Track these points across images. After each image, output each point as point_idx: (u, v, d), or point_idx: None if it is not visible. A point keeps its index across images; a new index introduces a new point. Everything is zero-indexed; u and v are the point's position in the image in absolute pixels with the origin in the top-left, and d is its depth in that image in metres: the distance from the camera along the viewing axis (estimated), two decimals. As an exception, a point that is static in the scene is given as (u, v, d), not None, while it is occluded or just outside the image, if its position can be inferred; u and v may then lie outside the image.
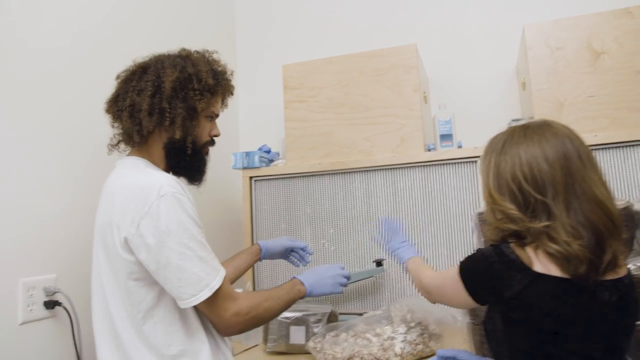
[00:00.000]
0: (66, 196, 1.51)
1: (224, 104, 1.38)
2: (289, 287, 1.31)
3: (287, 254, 1.70)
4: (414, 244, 1.78)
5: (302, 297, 1.33)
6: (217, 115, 1.34)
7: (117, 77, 1.30)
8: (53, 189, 1.48)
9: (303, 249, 1.71)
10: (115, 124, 1.27)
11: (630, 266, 1.15)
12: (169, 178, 1.14)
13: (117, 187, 1.16)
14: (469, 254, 1.07)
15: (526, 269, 0.94)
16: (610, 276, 0.96)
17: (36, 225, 1.42)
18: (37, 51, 1.46)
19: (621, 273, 0.98)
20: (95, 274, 1.20)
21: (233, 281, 1.57)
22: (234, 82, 1.38)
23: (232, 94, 1.38)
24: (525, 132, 1.02)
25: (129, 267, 1.11)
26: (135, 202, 1.08)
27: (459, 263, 1.07)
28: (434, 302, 1.29)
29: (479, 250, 1.05)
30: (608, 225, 0.94)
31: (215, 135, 1.34)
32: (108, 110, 1.28)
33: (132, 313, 1.12)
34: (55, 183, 1.49)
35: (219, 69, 1.32)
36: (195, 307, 1.12)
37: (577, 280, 0.92)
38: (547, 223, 0.94)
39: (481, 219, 1.38)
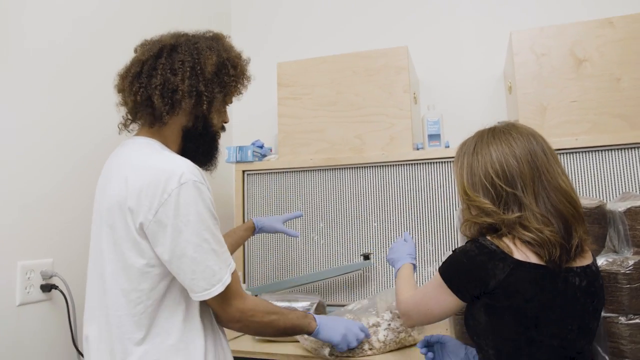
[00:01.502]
0: (64, 182, 1.55)
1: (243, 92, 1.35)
2: (302, 316, 1.31)
3: (289, 230, 1.77)
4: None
5: (309, 332, 1.33)
6: (232, 103, 1.33)
7: (135, 51, 1.23)
8: (52, 174, 1.51)
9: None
10: (133, 101, 1.17)
11: (602, 261, 1.22)
12: (190, 164, 1.09)
13: (131, 168, 1.09)
14: (449, 254, 1.12)
15: (507, 257, 1.00)
16: (579, 263, 1.05)
17: (35, 210, 1.45)
18: (33, 39, 1.50)
19: (588, 259, 1.07)
20: (95, 257, 1.15)
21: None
22: None
23: (250, 83, 1.35)
24: (494, 134, 1.12)
25: (146, 253, 1.06)
26: (154, 188, 1.03)
27: (437, 270, 1.12)
28: (412, 326, 1.34)
29: (455, 250, 1.10)
30: (572, 212, 1.03)
31: (226, 122, 1.33)
32: (125, 87, 1.18)
33: (141, 300, 1.06)
34: (54, 168, 1.52)
35: (245, 58, 1.31)
36: None
37: (552, 267, 1.00)
38: (519, 214, 1.03)
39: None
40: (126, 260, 1.07)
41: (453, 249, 1.12)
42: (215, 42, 1.22)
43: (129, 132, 1.26)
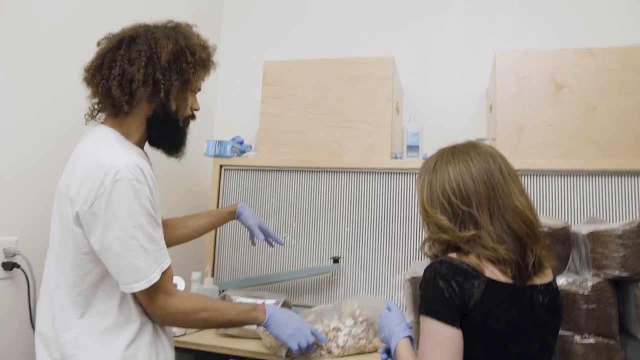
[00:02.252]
0: (32, 162, 1.53)
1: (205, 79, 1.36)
2: (245, 310, 1.32)
3: (256, 230, 1.70)
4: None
5: (257, 324, 1.35)
6: (199, 90, 1.34)
7: (98, 44, 1.25)
8: (20, 154, 1.49)
9: (272, 238, 1.75)
10: (97, 93, 1.22)
11: (563, 281, 1.25)
12: (130, 161, 1.11)
13: (80, 159, 1.14)
14: (420, 284, 1.07)
15: (479, 275, 1.01)
16: (541, 280, 1.07)
17: (1, 188, 1.43)
18: (12, 19, 1.48)
19: (548, 276, 1.09)
20: (51, 237, 1.20)
21: (204, 233, 1.67)
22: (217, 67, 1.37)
23: (215, 70, 1.36)
24: (453, 153, 1.14)
25: (79, 240, 1.11)
26: (92, 181, 1.08)
27: (421, 316, 1.04)
28: None
29: (426, 275, 1.05)
30: (527, 232, 1.05)
31: (196, 110, 1.34)
32: (89, 80, 1.22)
33: (76, 283, 1.12)
34: (23, 148, 1.50)
35: (207, 44, 1.31)
36: None
37: (518, 285, 1.02)
38: (474, 232, 1.04)
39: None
40: (64, 246, 1.14)
41: (421, 278, 1.07)
42: (173, 31, 1.24)
43: (96, 121, 1.28)
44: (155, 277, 1.11)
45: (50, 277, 1.17)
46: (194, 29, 1.31)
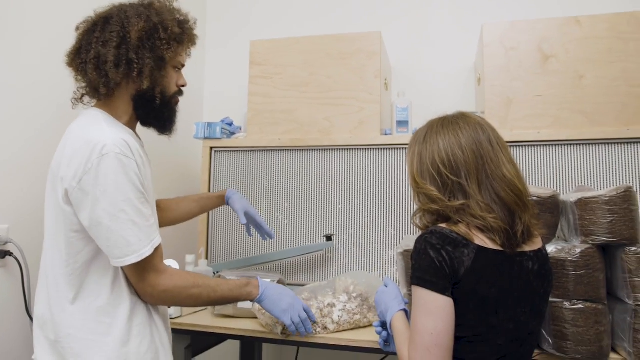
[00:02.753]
0: (22, 149, 1.52)
1: (188, 54, 1.36)
2: (238, 286, 1.32)
3: (246, 218, 1.69)
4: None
5: (250, 300, 1.35)
6: (183, 66, 1.33)
7: (77, 29, 1.25)
8: (9, 141, 1.49)
9: (262, 228, 1.74)
10: (79, 77, 1.23)
11: (552, 249, 1.27)
12: (117, 137, 1.12)
13: (70, 139, 1.15)
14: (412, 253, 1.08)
15: (469, 244, 1.02)
16: (530, 247, 1.09)
17: (-9, 174, 1.42)
18: None
19: (538, 243, 1.12)
20: (45, 220, 1.21)
21: (194, 216, 1.69)
22: (200, 42, 1.37)
23: (195, 43, 1.35)
24: (443, 124, 1.14)
25: (69, 218, 1.12)
26: (80, 157, 1.09)
27: (412, 286, 1.05)
28: None
29: (417, 245, 1.06)
30: (515, 200, 1.06)
31: (183, 85, 1.33)
32: (70, 64, 1.24)
33: (69, 262, 1.13)
34: (12, 135, 1.49)
35: (183, 17, 1.30)
36: None
37: (507, 252, 1.04)
38: (463, 201, 1.05)
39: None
40: (55, 226, 1.15)
41: (413, 248, 1.08)
42: (146, 9, 1.22)
43: (84, 105, 1.28)
44: (146, 252, 1.11)
45: (46, 259, 1.18)
46: (173, 4, 1.30)
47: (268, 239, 1.79)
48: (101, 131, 1.13)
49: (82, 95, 1.27)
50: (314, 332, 1.47)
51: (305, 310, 1.42)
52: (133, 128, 1.29)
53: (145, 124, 1.30)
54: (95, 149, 1.08)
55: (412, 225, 1.87)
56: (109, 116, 1.22)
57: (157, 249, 1.15)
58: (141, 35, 1.19)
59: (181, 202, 1.66)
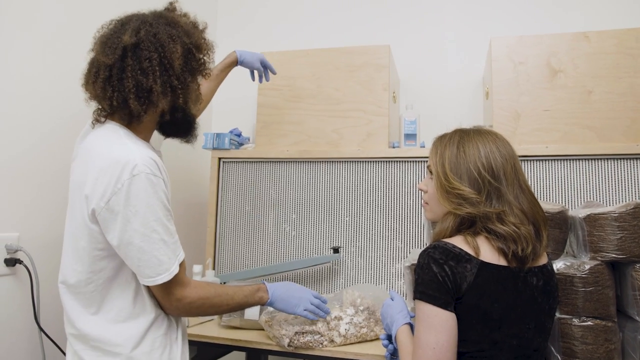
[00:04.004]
0: (32, 158, 1.53)
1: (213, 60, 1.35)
2: (251, 292, 1.35)
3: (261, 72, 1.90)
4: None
5: (262, 304, 1.39)
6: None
7: (94, 51, 1.19)
8: (20, 149, 1.50)
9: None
10: (110, 106, 1.16)
11: (561, 264, 1.26)
12: (146, 155, 1.11)
13: (93, 155, 1.13)
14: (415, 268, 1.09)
15: (472, 259, 1.03)
16: (536, 262, 1.09)
17: (1, 183, 1.44)
18: (17, 14, 1.48)
19: (544, 259, 1.12)
20: (65, 233, 1.20)
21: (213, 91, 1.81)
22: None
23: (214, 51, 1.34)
24: (480, 132, 1.17)
25: (94, 236, 1.12)
26: (109, 177, 1.07)
27: (415, 300, 1.06)
28: None
29: (420, 259, 1.07)
30: (542, 217, 1.10)
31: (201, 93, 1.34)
32: (98, 93, 1.17)
33: (92, 279, 1.14)
34: (22, 143, 1.51)
35: (203, 28, 1.31)
36: None
37: (515, 266, 1.04)
38: (500, 208, 1.07)
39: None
40: (77, 242, 1.14)
41: (416, 262, 1.08)
42: (174, 29, 1.20)
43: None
44: (175, 270, 1.13)
45: (67, 273, 1.18)
46: (179, 10, 1.30)
47: (278, 237, 1.87)
48: (128, 149, 1.11)
49: (105, 118, 1.21)
50: (320, 344, 1.48)
51: (316, 297, 1.48)
52: (149, 139, 1.28)
53: (171, 136, 1.31)
54: (125, 168, 1.07)
55: (419, 239, 1.87)
56: (128, 131, 1.20)
57: (182, 264, 1.16)
58: (181, 62, 1.19)
59: (203, 92, 1.63)
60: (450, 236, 1.10)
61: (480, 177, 1.09)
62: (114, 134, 1.17)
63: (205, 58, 1.26)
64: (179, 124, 1.27)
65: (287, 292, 1.43)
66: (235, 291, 1.31)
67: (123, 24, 1.19)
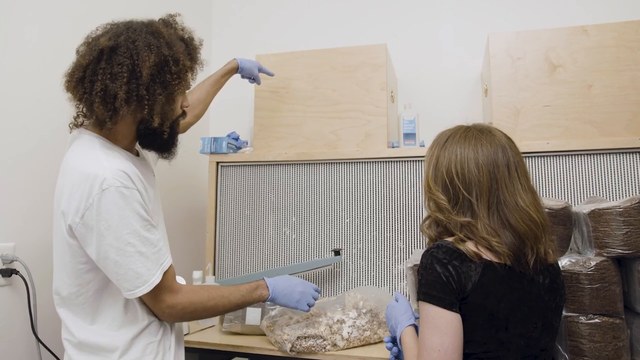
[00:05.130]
0: (27, 167, 1.52)
1: (194, 77, 1.30)
2: (249, 290, 1.32)
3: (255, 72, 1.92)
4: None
5: (263, 301, 1.36)
6: (189, 89, 1.29)
7: (77, 52, 1.18)
8: (14, 159, 1.48)
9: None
10: (79, 106, 1.18)
11: (566, 261, 1.24)
12: (115, 168, 1.08)
13: (68, 170, 1.12)
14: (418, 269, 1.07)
15: (475, 259, 1.00)
16: (543, 262, 1.06)
17: (-3, 193, 1.42)
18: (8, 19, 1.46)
19: (550, 260, 1.09)
20: (53, 247, 1.20)
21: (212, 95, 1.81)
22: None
23: (203, 67, 1.31)
24: (466, 134, 1.11)
25: (75, 251, 1.11)
26: (80, 192, 1.07)
27: (419, 302, 1.03)
28: None
29: (423, 260, 1.05)
30: (527, 230, 1.03)
31: (187, 107, 1.29)
32: (71, 91, 1.16)
33: (80, 292, 1.14)
34: (17, 152, 1.49)
35: (192, 42, 1.26)
36: None
37: (518, 268, 1.01)
38: (469, 219, 1.03)
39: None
40: (62, 256, 1.14)
41: (419, 262, 1.07)
42: (155, 38, 1.15)
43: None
44: (156, 280, 1.10)
45: (58, 285, 1.17)
46: (177, 23, 1.26)
47: (278, 240, 1.87)
48: (98, 163, 1.09)
49: (82, 121, 1.21)
50: (322, 348, 1.45)
51: (316, 290, 1.47)
52: (132, 148, 1.26)
53: (145, 148, 1.27)
54: (94, 183, 1.06)
55: (421, 239, 1.85)
56: (105, 141, 1.18)
57: (168, 271, 1.15)
58: (152, 71, 1.13)
59: (201, 94, 1.73)
60: (435, 240, 1.09)
61: (452, 186, 1.06)
62: (88, 146, 1.15)
63: (183, 74, 1.20)
64: (152, 137, 1.21)
65: (288, 287, 1.40)
66: (231, 291, 1.29)
67: (111, 28, 1.18)
